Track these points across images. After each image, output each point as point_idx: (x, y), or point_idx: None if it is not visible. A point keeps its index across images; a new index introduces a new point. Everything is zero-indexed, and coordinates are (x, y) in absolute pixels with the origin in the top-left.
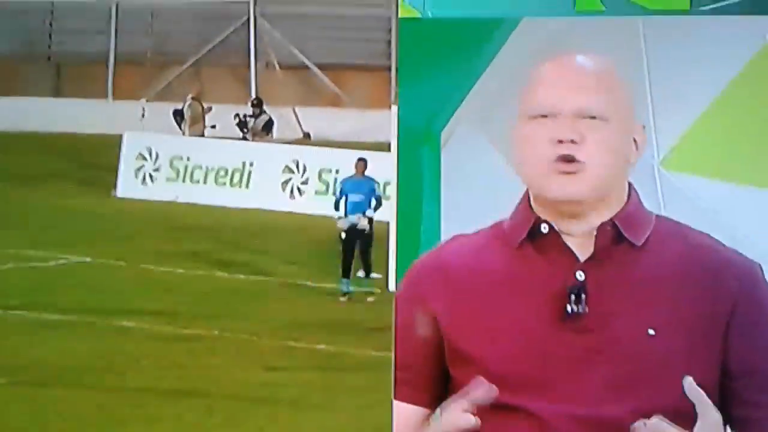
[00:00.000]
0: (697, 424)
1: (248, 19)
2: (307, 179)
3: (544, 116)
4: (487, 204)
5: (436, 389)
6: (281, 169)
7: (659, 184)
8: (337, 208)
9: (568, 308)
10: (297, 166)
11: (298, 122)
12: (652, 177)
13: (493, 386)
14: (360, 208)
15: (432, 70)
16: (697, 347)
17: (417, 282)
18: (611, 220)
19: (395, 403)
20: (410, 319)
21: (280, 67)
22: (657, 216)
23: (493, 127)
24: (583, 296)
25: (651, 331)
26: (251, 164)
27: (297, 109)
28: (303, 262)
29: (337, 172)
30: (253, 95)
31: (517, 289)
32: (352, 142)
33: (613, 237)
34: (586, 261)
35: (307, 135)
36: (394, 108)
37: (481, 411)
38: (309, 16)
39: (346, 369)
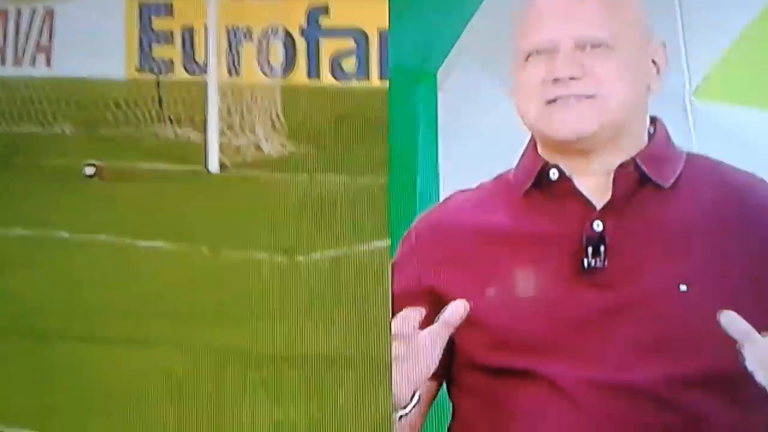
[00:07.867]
0: (746, 348)
1: None
2: None
3: (541, 53)
4: (491, 153)
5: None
6: None
7: (691, 116)
8: None
9: (585, 263)
10: None
11: None
12: (682, 108)
13: (465, 302)
14: None
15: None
16: (740, 298)
17: (414, 246)
18: (633, 159)
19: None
20: (408, 286)
21: None
22: (688, 153)
23: (497, 65)
24: (602, 248)
25: (683, 287)
26: None
27: None
28: None
29: None
30: None
31: (526, 244)
32: None
33: (635, 179)
34: (603, 208)
35: None
36: None
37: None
38: None
39: None
